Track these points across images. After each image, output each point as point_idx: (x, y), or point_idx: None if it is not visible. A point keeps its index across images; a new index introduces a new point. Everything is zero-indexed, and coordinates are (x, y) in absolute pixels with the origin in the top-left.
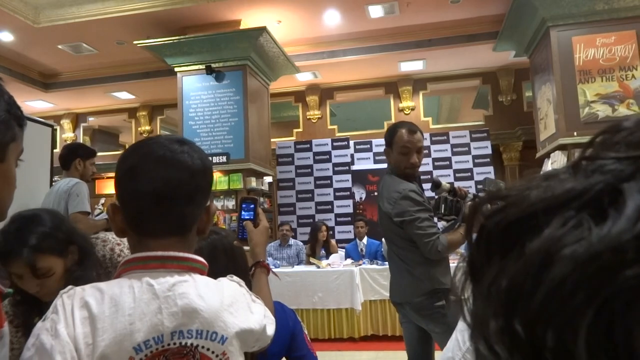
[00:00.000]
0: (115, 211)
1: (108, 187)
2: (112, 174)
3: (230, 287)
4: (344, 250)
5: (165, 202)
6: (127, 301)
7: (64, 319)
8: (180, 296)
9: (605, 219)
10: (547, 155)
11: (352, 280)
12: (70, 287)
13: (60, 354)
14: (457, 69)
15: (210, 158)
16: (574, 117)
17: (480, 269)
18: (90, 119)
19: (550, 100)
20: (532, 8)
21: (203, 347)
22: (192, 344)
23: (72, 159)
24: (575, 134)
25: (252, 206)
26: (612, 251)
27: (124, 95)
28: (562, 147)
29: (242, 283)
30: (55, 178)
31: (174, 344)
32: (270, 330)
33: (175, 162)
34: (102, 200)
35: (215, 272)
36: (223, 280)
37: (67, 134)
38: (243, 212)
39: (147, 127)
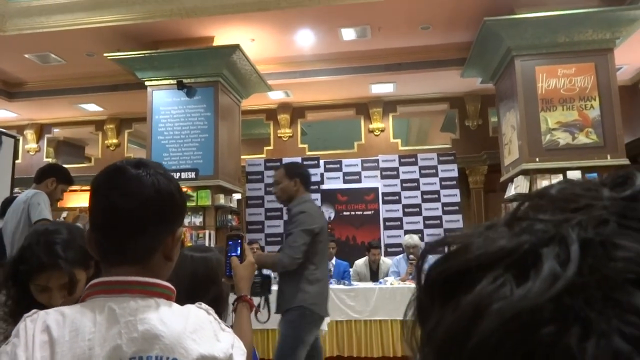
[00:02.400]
0: (89, 235)
1: (71, 200)
2: (75, 188)
3: (196, 315)
4: None
5: (115, 233)
6: (87, 325)
7: (24, 343)
8: (141, 321)
9: (527, 280)
10: (511, 180)
11: None
12: (34, 310)
13: None
14: (426, 93)
15: (178, 174)
16: (537, 144)
17: (426, 312)
18: (56, 130)
19: (514, 127)
20: (498, 38)
21: None
22: None
23: (49, 176)
24: (537, 159)
25: (238, 242)
26: (530, 311)
27: (92, 107)
28: (524, 172)
29: (211, 311)
30: (16, 190)
31: None
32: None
33: (125, 191)
34: (64, 214)
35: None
36: (190, 307)
37: (30, 144)
38: (229, 249)
39: (115, 140)
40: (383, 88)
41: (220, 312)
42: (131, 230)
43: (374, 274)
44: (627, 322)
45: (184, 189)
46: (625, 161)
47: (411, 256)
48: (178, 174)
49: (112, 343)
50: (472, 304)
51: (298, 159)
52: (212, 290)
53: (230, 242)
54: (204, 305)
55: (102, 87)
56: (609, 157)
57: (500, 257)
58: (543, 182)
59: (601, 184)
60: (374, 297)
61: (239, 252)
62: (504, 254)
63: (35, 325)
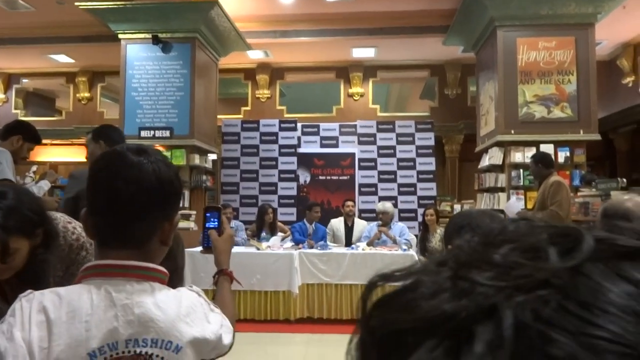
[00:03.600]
0: (86, 217)
1: (41, 154)
2: (46, 141)
3: (188, 297)
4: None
5: (115, 218)
6: (84, 308)
7: (21, 323)
8: (137, 305)
9: (459, 356)
10: (486, 150)
11: (291, 264)
12: (29, 291)
13: (12, 357)
14: (407, 59)
15: (152, 132)
16: (513, 116)
17: (366, 356)
18: (24, 80)
19: (492, 98)
20: (481, 6)
21: (157, 355)
22: (146, 353)
23: (14, 133)
24: (512, 131)
25: (216, 215)
26: None
27: (63, 59)
28: (499, 144)
29: (201, 293)
30: None
31: (129, 351)
32: (227, 339)
33: (126, 177)
34: (34, 168)
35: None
36: (182, 290)
37: None
38: (207, 221)
39: (87, 94)
40: (364, 52)
41: (175, 287)
42: (131, 216)
43: (349, 230)
44: None
45: (158, 147)
46: (597, 137)
47: (379, 222)
48: (152, 132)
49: (108, 325)
50: None
51: (276, 121)
52: (167, 264)
53: (208, 214)
54: (194, 287)
55: (73, 38)
56: (581, 132)
57: (438, 324)
58: (517, 155)
59: (551, 244)
60: (346, 262)
61: (217, 224)
62: (442, 320)
63: (31, 305)
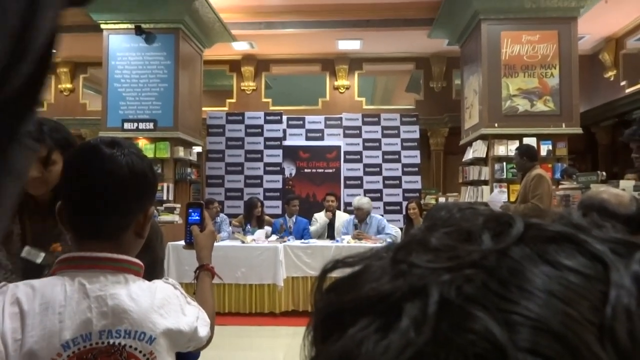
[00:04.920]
0: (61, 209)
1: None
2: None
3: (163, 290)
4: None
5: (89, 211)
6: (58, 299)
7: None
8: (111, 297)
9: (387, 334)
10: (470, 144)
11: (275, 257)
12: (3, 283)
13: None
14: (393, 52)
15: (135, 124)
16: (496, 109)
17: (315, 339)
18: None
19: (476, 91)
20: None
21: (131, 346)
22: (119, 343)
23: None
24: (496, 125)
25: (198, 210)
26: None
27: None
28: (483, 137)
29: (177, 285)
30: None
31: (102, 342)
32: (203, 332)
33: (100, 169)
34: None
35: None
36: (157, 282)
37: None
38: (190, 217)
39: (69, 85)
40: (350, 45)
41: (155, 279)
42: (105, 208)
43: (331, 224)
44: None
45: (141, 140)
46: (578, 130)
47: (355, 218)
48: (135, 124)
49: (82, 316)
50: (340, 350)
51: (261, 114)
52: (146, 256)
53: (190, 210)
54: (170, 280)
55: None
56: (564, 125)
57: (374, 303)
58: (500, 148)
59: (484, 229)
60: (330, 255)
61: (199, 220)
62: (378, 299)
63: (4, 297)
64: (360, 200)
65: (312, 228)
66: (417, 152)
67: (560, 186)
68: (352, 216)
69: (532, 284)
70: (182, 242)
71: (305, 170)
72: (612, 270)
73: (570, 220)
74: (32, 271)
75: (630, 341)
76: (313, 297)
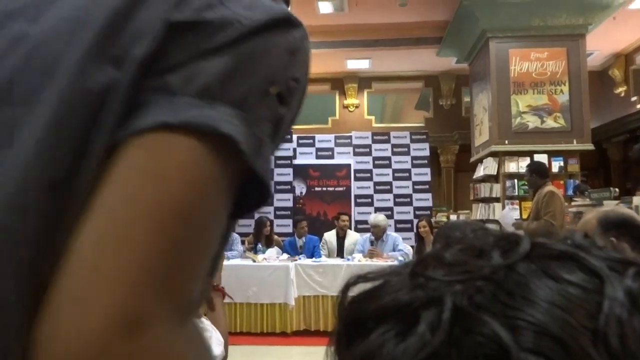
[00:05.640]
0: None
1: None
2: None
3: None
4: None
5: None
6: None
7: None
8: None
9: (405, 339)
10: (480, 161)
11: (287, 276)
12: None
13: None
14: (402, 71)
15: None
16: (506, 126)
17: (339, 347)
18: None
19: (486, 108)
20: (474, 18)
21: None
22: None
23: None
24: (506, 142)
25: None
26: None
27: None
28: (493, 154)
29: None
30: None
31: None
32: (217, 350)
33: None
34: None
35: None
36: None
37: None
38: None
39: None
40: (359, 64)
41: None
42: None
43: (341, 242)
44: None
45: None
46: (590, 146)
47: (371, 235)
48: None
49: None
50: (364, 352)
51: None
52: None
53: None
54: None
55: None
56: (575, 141)
57: (394, 311)
58: (511, 165)
59: (494, 247)
60: (342, 273)
61: None
62: (398, 308)
63: None
64: (377, 217)
65: (323, 253)
66: (428, 170)
67: (572, 203)
68: (369, 234)
69: (535, 294)
70: None
71: (316, 188)
72: (607, 284)
73: (573, 241)
74: None
75: (620, 345)
76: (337, 309)
